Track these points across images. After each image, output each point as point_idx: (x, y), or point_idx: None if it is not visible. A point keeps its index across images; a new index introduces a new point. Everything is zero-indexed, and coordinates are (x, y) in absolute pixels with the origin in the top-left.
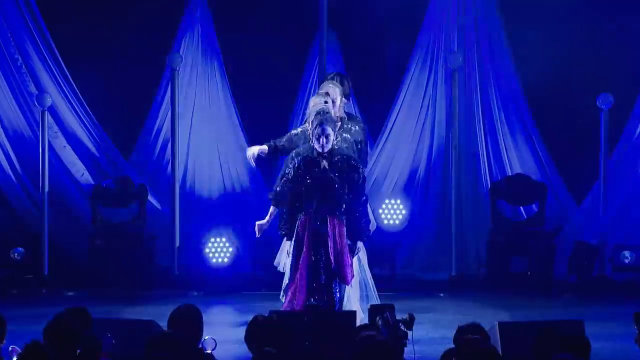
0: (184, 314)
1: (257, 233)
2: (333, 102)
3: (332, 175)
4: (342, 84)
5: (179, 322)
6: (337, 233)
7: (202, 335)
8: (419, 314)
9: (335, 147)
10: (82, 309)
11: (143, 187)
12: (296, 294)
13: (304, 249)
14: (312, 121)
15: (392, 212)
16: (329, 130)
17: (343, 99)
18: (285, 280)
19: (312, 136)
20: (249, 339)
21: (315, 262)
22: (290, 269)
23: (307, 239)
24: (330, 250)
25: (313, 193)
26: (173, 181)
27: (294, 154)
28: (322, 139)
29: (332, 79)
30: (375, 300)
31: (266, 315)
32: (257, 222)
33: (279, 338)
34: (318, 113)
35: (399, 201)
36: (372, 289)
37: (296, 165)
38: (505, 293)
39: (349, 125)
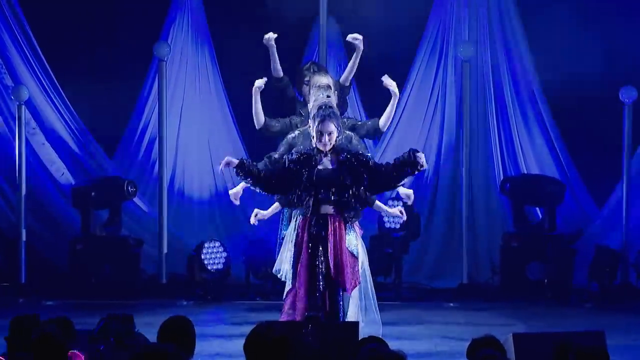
0: (175, 326)
1: (252, 219)
2: (329, 134)
3: (341, 174)
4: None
5: (170, 335)
6: (337, 236)
7: (194, 349)
8: (427, 325)
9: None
10: (65, 319)
11: (129, 188)
12: (296, 302)
13: (303, 254)
14: (314, 117)
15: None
16: (332, 127)
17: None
18: (288, 286)
19: (314, 134)
20: (249, 350)
21: (314, 267)
22: (292, 274)
23: (306, 243)
24: (330, 254)
25: (310, 190)
26: (160, 181)
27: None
28: (325, 138)
29: (309, 69)
30: (374, 312)
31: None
32: (257, 210)
33: (281, 350)
34: (320, 108)
35: (403, 203)
36: (371, 299)
37: (290, 159)
38: (520, 302)
39: (345, 120)
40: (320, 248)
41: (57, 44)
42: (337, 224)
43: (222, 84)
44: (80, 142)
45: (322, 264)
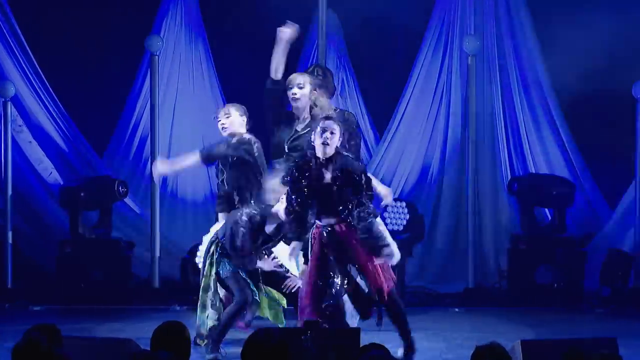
0: (169, 332)
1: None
2: (300, 87)
3: (333, 183)
4: (324, 76)
5: (164, 341)
6: (349, 244)
7: (189, 356)
8: (431, 331)
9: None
10: (51, 326)
11: (120, 188)
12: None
13: (310, 269)
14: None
15: (399, 215)
16: (335, 126)
17: (314, 89)
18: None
19: (315, 136)
20: (247, 357)
21: (317, 279)
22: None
23: (316, 255)
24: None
25: (312, 200)
26: (153, 181)
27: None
28: (326, 135)
29: (312, 72)
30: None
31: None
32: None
33: (280, 357)
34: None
35: (406, 203)
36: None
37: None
38: (528, 307)
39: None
40: (332, 258)
41: (45, 37)
42: (344, 228)
43: (217, 80)
44: (68, 140)
45: (336, 276)
